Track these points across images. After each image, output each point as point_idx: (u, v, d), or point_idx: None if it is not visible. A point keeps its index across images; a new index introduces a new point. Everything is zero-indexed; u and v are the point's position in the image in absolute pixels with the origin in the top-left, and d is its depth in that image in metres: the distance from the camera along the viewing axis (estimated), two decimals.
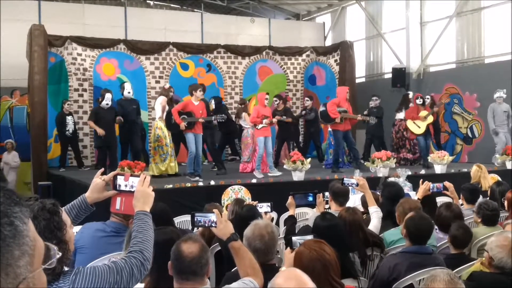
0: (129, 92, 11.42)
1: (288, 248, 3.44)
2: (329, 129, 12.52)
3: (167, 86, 11.17)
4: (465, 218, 5.28)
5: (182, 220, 6.04)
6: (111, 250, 3.59)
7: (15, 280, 0.98)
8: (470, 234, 4.43)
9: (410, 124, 12.11)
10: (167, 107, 10.61)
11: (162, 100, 10.62)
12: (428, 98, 12.75)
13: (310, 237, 3.56)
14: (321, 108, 11.65)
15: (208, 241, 4.28)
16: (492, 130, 12.46)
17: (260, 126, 10.48)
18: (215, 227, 3.18)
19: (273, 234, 3.48)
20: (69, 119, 12.98)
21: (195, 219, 3.25)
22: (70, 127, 12.94)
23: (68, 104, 13.19)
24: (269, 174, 10.45)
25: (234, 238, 3.11)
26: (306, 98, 13.71)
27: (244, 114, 12.01)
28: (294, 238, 3.51)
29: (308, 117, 13.21)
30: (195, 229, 5.21)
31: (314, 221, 3.93)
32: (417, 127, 12.06)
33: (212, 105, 12.42)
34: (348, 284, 3.47)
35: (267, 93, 11.32)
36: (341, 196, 5.43)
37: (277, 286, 2.33)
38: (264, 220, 3.94)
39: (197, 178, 9.58)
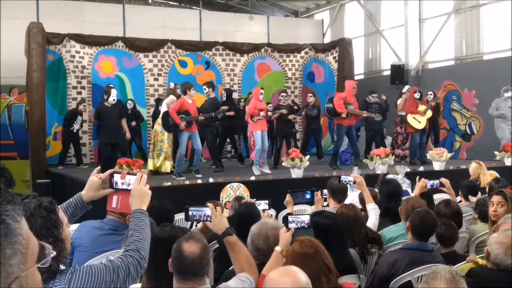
0: (114, 100, 11.29)
1: (284, 227, 3.43)
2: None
3: (173, 85, 11.11)
4: (463, 215, 5.28)
5: (180, 218, 6.03)
6: (109, 248, 3.58)
7: (7, 279, 0.97)
8: (454, 228, 4.40)
9: (410, 119, 12.08)
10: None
11: (169, 99, 10.56)
12: (431, 95, 12.71)
13: (306, 217, 3.56)
14: (328, 104, 11.60)
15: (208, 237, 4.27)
16: (499, 114, 12.39)
17: (256, 118, 10.47)
18: (210, 221, 3.17)
19: (278, 237, 3.46)
20: (79, 118, 12.95)
21: (190, 213, 3.23)
22: (77, 126, 12.92)
23: (83, 106, 13.18)
24: (264, 170, 10.39)
25: (229, 233, 3.10)
26: (310, 95, 13.66)
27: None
28: (289, 217, 3.51)
29: (311, 113, 13.19)
30: (193, 227, 5.22)
31: (312, 219, 3.91)
32: (418, 122, 12.05)
33: (224, 98, 12.55)
34: (347, 281, 3.47)
35: (262, 88, 11.33)
36: (339, 193, 5.42)
37: (272, 282, 2.33)
38: (275, 221, 3.91)
39: (183, 178, 9.53)
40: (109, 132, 11.11)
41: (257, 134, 10.51)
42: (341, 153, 12.53)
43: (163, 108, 10.69)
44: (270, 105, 12.21)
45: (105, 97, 11.18)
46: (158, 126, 10.57)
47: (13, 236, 1.00)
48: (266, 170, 10.52)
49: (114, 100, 11.13)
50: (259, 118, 10.49)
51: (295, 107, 13.21)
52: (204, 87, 11.42)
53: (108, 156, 11.00)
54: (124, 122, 11.46)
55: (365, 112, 11.75)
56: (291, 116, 12.14)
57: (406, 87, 13.09)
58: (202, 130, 11.10)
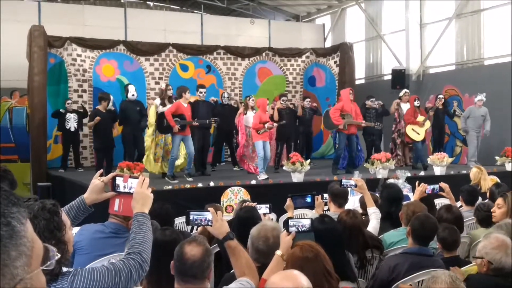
0: (133, 95, 11.42)
1: (285, 231, 3.44)
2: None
3: (163, 86, 11.10)
4: (464, 220, 5.28)
5: (181, 222, 6.04)
6: (110, 251, 3.58)
7: (12, 281, 0.98)
8: (457, 233, 4.40)
9: (409, 131, 12.15)
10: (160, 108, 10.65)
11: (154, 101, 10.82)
12: (443, 98, 12.80)
13: (307, 220, 3.57)
14: (325, 117, 11.67)
15: (208, 241, 4.26)
16: (462, 128, 12.55)
17: (262, 131, 10.49)
18: (211, 225, 3.18)
19: (278, 238, 3.45)
20: (71, 116, 12.94)
21: (191, 218, 3.24)
22: (71, 124, 12.90)
23: (68, 103, 13.16)
24: (258, 177, 10.34)
25: (230, 237, 3.10)
26: (307, 99, 13.79)
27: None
28: (290, 221, 3.51)
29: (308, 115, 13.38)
30: (194, 231, 5.22)
31: (312, 224, 3.92)
32: (417, 134, 12.12)
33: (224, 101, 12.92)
34: (347, 285, 3.47)
35: (267, 99, 11.42)
36: (340, 197, 5.42)
37: (273, 285, 2.33)
38: (274, 223, 3.92)
39: (176, 181, 9.56)
40: (101, 136, 11.36)
41: (259, 144, 10.52)
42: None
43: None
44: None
45: (104, 103, 11.41)
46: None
47: (18, 238, 1.01)
48: (263, 176, 10.39)
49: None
50: (264, 130, 10.52)
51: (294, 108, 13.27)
52: (204, 90, 11.45)
53: (102, 159, 11.36)
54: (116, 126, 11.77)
55: (364, 122, 11.69)
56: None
57: (403, 91, 13.17)
58: (204, 134, 11.16)
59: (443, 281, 2.75)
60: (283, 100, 12.52)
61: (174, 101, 10.72)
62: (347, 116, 11.08)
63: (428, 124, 12.27)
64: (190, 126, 10.04)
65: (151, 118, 10.63)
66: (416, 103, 12.35)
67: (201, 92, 11.21)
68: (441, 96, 12.92)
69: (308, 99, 13.88)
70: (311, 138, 13.96)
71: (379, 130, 12.69)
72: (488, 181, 7.65)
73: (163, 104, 10.56)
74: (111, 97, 11.78)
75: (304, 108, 13.42)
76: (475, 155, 12.47)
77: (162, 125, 10.03)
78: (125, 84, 12.70)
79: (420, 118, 12.19)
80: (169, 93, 10.82)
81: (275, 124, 11.18)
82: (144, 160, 10.61)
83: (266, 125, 10.51)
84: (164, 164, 10.68)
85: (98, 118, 11.24)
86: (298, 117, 13.14)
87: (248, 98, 12.25)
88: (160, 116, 10.09)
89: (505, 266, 3.41)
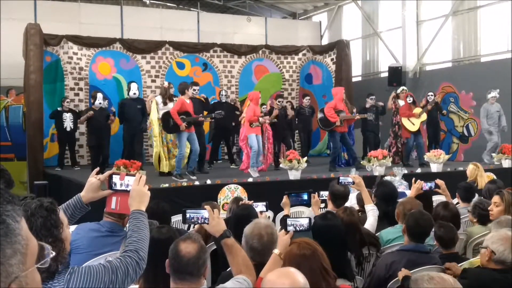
0: (134, 93, 11.38)
1: (283, 230, 3.43)
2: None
3: (166, 84, 11.01)
4: (461, 217, 5.28)
5: (177, 220, 6.03)
6: (106, 250, 3.59)
7: (6, 279, 0.98)
8: (453, 230, 4.40)
9: (405, 121, 12.17)
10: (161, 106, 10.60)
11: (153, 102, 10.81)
12: (432, 95, 12.78)
13: (305, 220, 3.57)
14: (319, 115, 11.66)
15: (205, 239, 4.26)
16: (485, 129, 12.52)
17: (254, 124, 10.48)
18: (208, 223, 3.18)
19: (272, 236, 3.45)
20: (67, 115, 12.93)
21: (187, 216, 3.23)
22: (67, 124, 12.88)
23: (67, 102, 13.15)
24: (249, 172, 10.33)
25: (227, 235, 3.10)
26: (307, 97, 13.79)
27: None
28: (288, 220, 3.51)
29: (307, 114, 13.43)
30: (191, 229, 5.22)
31: (314, 220, 3.92)
32: (412, 124, 12.13)
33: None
34: (344, 283, 3.47)
35: (259, 92, 11.42)
36: (340, 198, 5.37)
37: (269, 283, 2.33)
38: (267, 220, 3.92)
39: (185, 179, 9.53)
40: (95, 133, 11.51)
41: (252, 137, 10.50)
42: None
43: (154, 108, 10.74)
44: (264, 106, 12.21)
45: (92, 101, 11.51)
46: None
47: (13, 236, 1.01)
48: (254, 173, 10.41)
49: (100, 103, 11.50)
50: (257, 124, 10.51)
51: (291, 108, 13.29)
52: (198, 87, 11.38)
53: (96, 156, 11.58)
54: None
55: (357, 115, 11.74)
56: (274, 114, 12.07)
57: (401, 88, 13.18)
58: (199, 132, 11.13)
59: (440, 279, 2.75)
60: (279, 101, 12.52)
61: (174, 99, 10.66)
62: (341, 113, 11.13)
63: (424, 116, 12.26)
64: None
65: (153, 114, 10.55)
66: (409, 100, 12.35)
67: (194, 90, 11.12)
68: (431, 93, 12.91)
69: (308, 97, 13.88)
70: (311, 136, 13.98)
71: (376, 126, 12.75)
72: (484, 178, 7.65)
73: (164, 102, 10.48)
74: (98, 95, 11.76)
75: (304, 106, 13.51)
76: (493, 150, 12.33)
77: (168, 125, 9.94)
78: (128, 81, 12.58)
79: (417, 110, 12.20)
80: (171, 91, 10.76)
81: (268, 120, 11.19)
82: (154, 160, 10.64)
83: (260, 119, 10.54)
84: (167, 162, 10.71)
85: (91, 112, 11.51)
86: (290, 119, 13.12)
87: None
88: (165, 116, 9.99)
89: (506, 260, 3.40)
